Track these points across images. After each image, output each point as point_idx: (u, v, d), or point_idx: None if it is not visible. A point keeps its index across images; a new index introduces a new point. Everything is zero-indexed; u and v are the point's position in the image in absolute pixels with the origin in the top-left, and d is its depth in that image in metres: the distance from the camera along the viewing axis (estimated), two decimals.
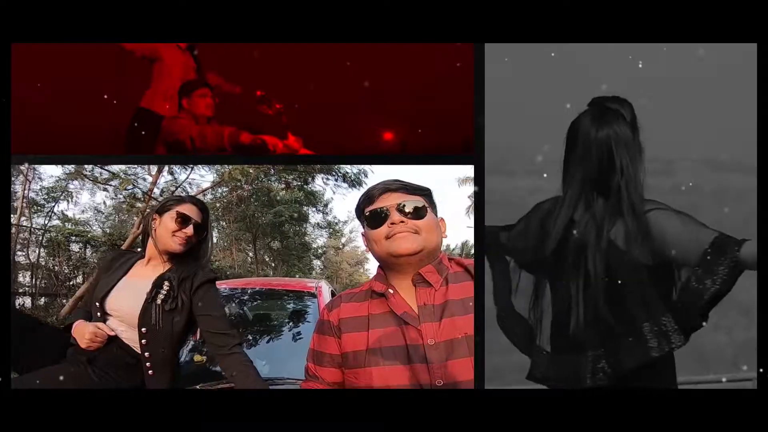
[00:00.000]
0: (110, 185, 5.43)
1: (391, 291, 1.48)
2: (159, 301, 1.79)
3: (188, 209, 1.88)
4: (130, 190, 5.30)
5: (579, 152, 1.52)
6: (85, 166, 5.19)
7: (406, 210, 1.47)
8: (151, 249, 1.90)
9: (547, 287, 1.56)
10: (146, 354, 1.79)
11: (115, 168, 5.24)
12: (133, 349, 1.82)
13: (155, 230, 1.87)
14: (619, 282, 1.46)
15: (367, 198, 1.52)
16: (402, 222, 1.45)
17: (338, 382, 1.52)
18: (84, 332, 1.78)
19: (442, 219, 1.57)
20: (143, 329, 1.79)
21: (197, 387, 2.06)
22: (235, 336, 1.82)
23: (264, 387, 1.77)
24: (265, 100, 2.41)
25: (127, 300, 1.83)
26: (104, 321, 1.84)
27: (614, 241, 1.47)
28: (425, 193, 1.54)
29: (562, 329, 1.51)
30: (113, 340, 1.82)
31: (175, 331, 1.81)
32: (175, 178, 5.40)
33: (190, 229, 1.86)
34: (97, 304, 1.84)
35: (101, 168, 5.24)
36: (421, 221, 1.47)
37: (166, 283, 1.81)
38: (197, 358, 2.21)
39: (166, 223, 1.86)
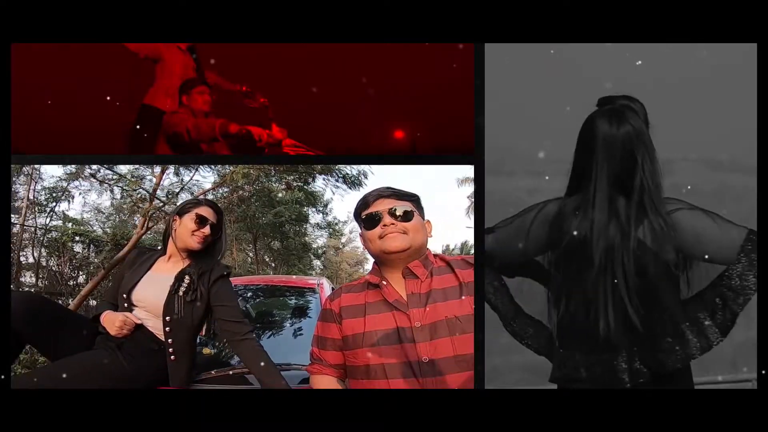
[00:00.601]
0: (119, 186, 5.47)
1: (384, 282, 1.69)
2: (181, 293, 1.99)
3: (205, 211, 2.09)
4: (137, 191, 5.35)
5: (600, 152, 1.50)
6: (93, 166, 5.22)
7: (397, 213, 1.70)
8: (171, 247, 2.10)
9: (562, 288, 1.54)
10: (169, 341, 1.98)
11: (123, 169, 5.28)
12: (157, 337, 2.00)
13: (176, 230, 2.08)
14: (653, 281, 1.46)
15: (364, 203, 1.74)
16: (393, 224, 1.68)
17: (340, 364, 1.72)
18: (114, 321, 1.97)
19: (428, 221, 1.79)
20: (167, 318, 1.98)
21: (212, 372, 2.17)
22: (247, 324, 2.01)
23: (275, 371, 1.91)
24: (249, 95, 2.62)
25: (152, 292, 2.02)
26: (131, 311, 2.03)
27: (643, 241, 1.47)
28: (413, 198, 1.77)
29: (590, 330, 1.49)
30: (139, 328, 2.01)
31: (194, 320, 2.00)
32: (181, 179, 5.46)
33: (207, 229, 2.07)
34: (124, 296, 2.03)
35: (107, 168, 5.27)
36: (408, 223, 1.69)
37: (187, 277, 2.02)
38: (206, 351, 2.31)
39: (186, 223, 2.07)
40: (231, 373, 2.16)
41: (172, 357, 1.98)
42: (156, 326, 2.01)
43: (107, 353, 1.94)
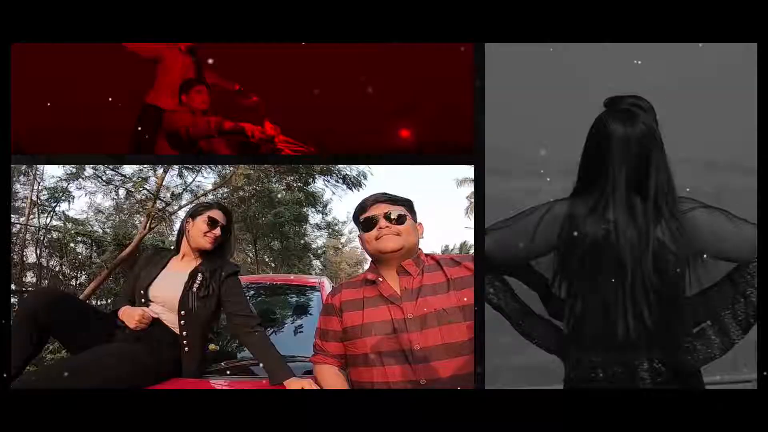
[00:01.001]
0: (124, 188, 5.51)
1: (380, 279, 1.86)
2: (195, 289, 2.14)
3: (216, 214, 2.25)
4: (141, 192, 5.38)
5: (616, 153, 1.49)
6: (99, 167, 5.25)
7: (392, 217, 1.86)
8: (185, 246, 2.25)
9: (577, 289, 1.53)
10: (184, 333, 2.13)
11: (128, 171, 5.31)
12: (172, 330, 2.14)
13: (189, 231, 2.24)
14: (672, 281, 1.47)
15: (361, 208, 1.91)
16: (387, 227, 1.85)
17: (341, 354, 1.87)
18: (133, 315, 2.10)
19: (420, 224, 1.95)
20: (182, 312, 2.12)
21: (222, 364, 2.30)
22: (255, 317, 2.16)
23: (281, 360, 2.03)
24: (242, 93, 2.76)
25: (168, 289, 2.16)
26: (147, 306, 2.16)
27: (662, 241, 1.47)
28: (407, 203, 1.93)
29: (609, 331, 1.49)
30: (155, 322, 2.14)
31: (207, 314, 2.16)
32: (184, 181, 5.51)
33: (218, 231, 2.22)
34: (142, 292, 2.18)
35: (111, 169, 5.29)
36: (402, 226, 1.86)
37: (200, 274, 2.17)
38: (211, 347, 2.41)
39: (199, 225, 2.22)
40: (240, 364, 2.30)
41: (186, 348, 2.12)
42: (171, 320, 2.15)
43: (125, 345, 2.07)
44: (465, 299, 1.78)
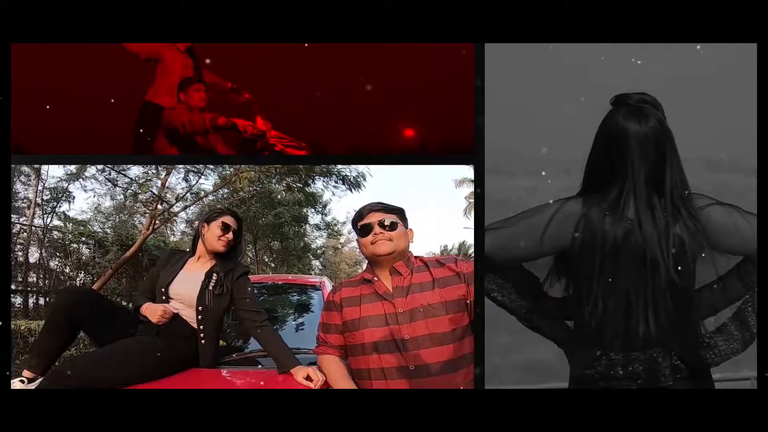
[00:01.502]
0: (131, 189, 5.53)
1: (375, 278, 2.07)
2: (211, 288, 2.34)
3: (229, 219, 2.46)
4: (147, 193, 5.40)
5: (634, 150, 1.49)
6: (105, 168, 5.26)
7: (385, 224, 2.07)
8: (200, 249, 2.46)
9: (595, 287, 1.52)
10: (201, 327, 2.32)
11: (132, 170, 5.32)
12: (190, 325, 2.34)
13: (204, 235, 2.44)
14: (691, 277, 1.49)
15: (359, 215, 2.13)
16: (381, 233, 2.06)
17: (341, 345, 2.06)
18: (156, 311, 2.30)
19: (410, 230, 2.16)
20: (199, 308, 2.33)
21: (234, 356, 2.51)
22: (263, 313, 2.36)
23: (289, 352, 2.22)
24: (235, 91, 2.84)
25: (186, 287, 2.37)
26: (167, 303, 2.36)
27: (681, 238, 1.47)
28: (399, 212, 2.14)
29: (630, 329, 1.49)
30: (175, 317, 2.33)
31: (221, 310, 2.36)
32: (188, 185, 5.55)
33: (230, 235, 2.43)
34: (162, 290, 2.39)
35: (118, 172, 5.30)
36: (393, 232, 2.07)
37: (215, 274, 2.38)
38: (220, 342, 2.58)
39: (213, 230, 2.42)
40: (250, 356, 2.49)
41: (203, 341, 2.31)
42: (189, 315, 2.34)
43: (146, 338, 2.26)
44: (450, 295, 1.95)
